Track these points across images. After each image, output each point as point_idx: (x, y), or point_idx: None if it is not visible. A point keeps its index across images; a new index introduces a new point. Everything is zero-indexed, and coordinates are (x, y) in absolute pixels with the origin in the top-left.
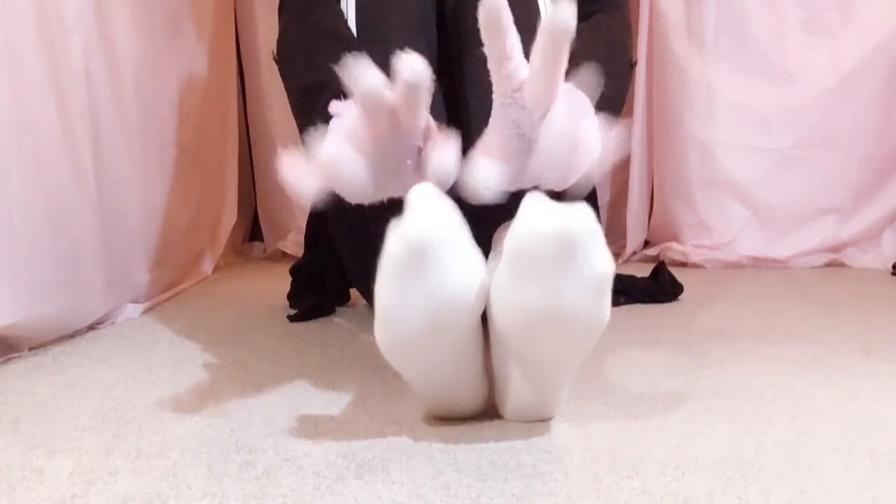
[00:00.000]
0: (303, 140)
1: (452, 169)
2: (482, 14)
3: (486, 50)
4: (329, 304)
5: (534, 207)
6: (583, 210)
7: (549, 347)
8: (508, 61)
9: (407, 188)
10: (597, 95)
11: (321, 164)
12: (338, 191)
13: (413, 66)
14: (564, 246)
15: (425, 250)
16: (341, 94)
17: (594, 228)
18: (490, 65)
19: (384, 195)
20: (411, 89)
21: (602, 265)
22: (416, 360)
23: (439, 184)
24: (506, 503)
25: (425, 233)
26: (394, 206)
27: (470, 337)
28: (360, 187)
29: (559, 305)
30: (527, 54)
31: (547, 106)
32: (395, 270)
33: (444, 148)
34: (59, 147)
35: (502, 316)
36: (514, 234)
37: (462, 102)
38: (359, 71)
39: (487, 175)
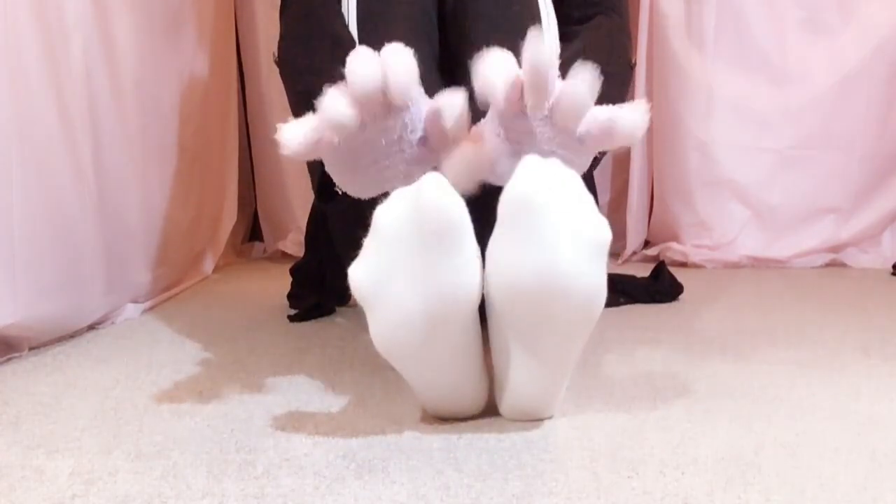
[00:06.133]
0: None
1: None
2: (528, 70)
3: (527, 101)
4: (329, 304)
5: (524, 173)
6: (569, 177)
7: (547, 325)
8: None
9: (404, 180)
10: (595, 94)
11: (323, 109)
12: (333, 139)
13: (452, 106)
14: (548, 209)
15: (439, 235)
16: None
17: (576, 196)
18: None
19: (383, 187)
20: (450, 127)
21: (593, 230)
22: (413, 357)
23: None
24: (506, 503)
25: (440, 219)
26: None
27: (468, 336)
28: (353, 139)
29: (552, 269)
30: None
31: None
32: (399, 252)
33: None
34: (59, 147)
35: (498, 287)
36: (505, 199)
37: None
38: (355, 65)
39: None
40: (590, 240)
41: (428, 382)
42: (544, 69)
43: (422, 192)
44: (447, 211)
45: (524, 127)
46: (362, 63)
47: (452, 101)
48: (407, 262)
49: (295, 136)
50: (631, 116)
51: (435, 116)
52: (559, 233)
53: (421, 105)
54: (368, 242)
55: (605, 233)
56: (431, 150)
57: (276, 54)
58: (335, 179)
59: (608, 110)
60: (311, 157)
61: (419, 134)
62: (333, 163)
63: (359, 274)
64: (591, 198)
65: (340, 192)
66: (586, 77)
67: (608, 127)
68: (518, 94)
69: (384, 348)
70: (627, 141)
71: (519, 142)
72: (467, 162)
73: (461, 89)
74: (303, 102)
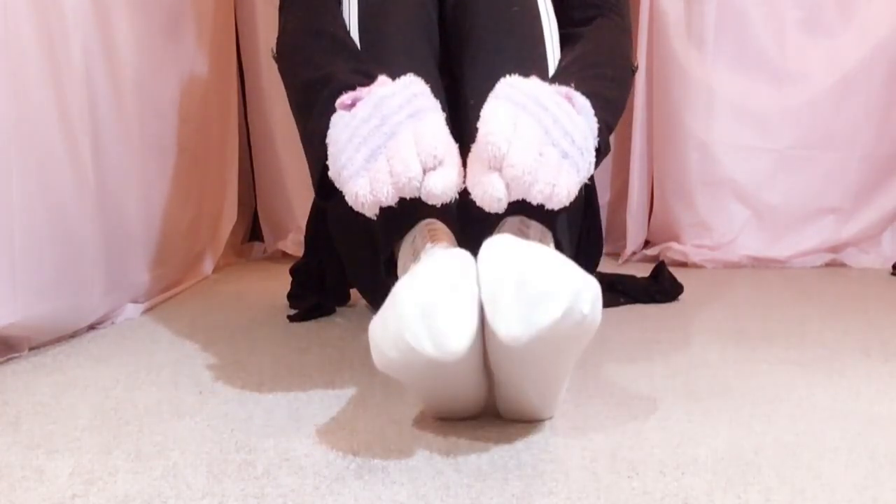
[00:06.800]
0: (301, 135)
1: (452, 192)
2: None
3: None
4: (329, 304)
5: (486, 262)
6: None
7: (545, 345)
8: None
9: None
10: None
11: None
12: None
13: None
14: (523, 284)
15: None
16: (341, 90)
17: (545, 259)
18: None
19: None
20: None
21: (570, 284)
22: (411, 378)
23: (438, 201)
24: (506, 503)
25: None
26: (396, 208)
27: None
28: None
29: (542, 331)
30: (525, 63)
31: None
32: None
33: (447, 170)
34: (59, 147)
35: (497, 342)
36: (481, 279)
37: (462, 102)
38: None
39: (495, 189)
40: (570, 293)
41: (427, 389)
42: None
43: (432, 348)
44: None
45: None
46: (404, 159)
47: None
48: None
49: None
50: None
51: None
52: (539, 300)
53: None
54: (386, 314)
55: (582, 284)
56: None
57: (275, 50)
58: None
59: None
60: None
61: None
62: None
63: (379, 353)
64: (556, 255)
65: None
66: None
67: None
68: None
69: (380, 367)
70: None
71: None
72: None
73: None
74: (301, 98)
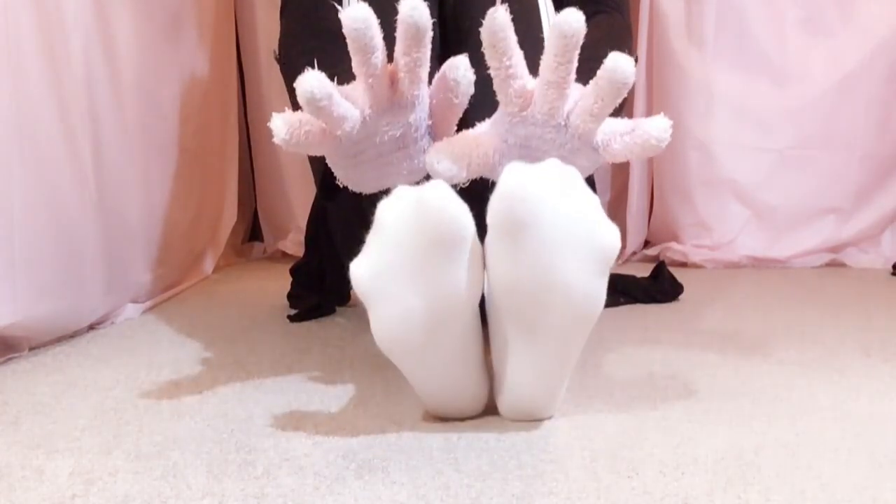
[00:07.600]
0: None
1: (454, 170)
2: (485, 33)
3: (490, 70)
4: (329, 304)
5: (512, 174)
6: (566, 178)
7: (546, 323)
8: (515, 80)
9: (406, 176)
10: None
11: (303, 89)
12: (327, 126)
13: (414, 6)
14: (535, 220)
15: (441, 243)
16: None
17: (569, 199)
18: (496, 84)
19: (384, 182)
20: (411, 29)
21: (589, 232)
22: (413, 354)
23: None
24: (506, 503)
25: (443, 229)
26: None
27: (468, 335)
28: (349, 129)
29: (547, 278)
30: (532, 68)
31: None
32: (401, 252)
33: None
34: (59, 147)
35: (497, 283)
36: (491, 210)
37: None
38: (348, 7)
39: (446, 169)
40: (585, 244)
41: (428, 381)
42: (502, 33)
43: (426, 200)
44: (450, 222)
45: (534, 132)
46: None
47: (462, 63)
48: (408, 262)
49: (283, 125)
50: (654, 131)
51: (444, 83)
52: (549, 243)
53: (426, 103)
54: (371, 238)
55: (604, 234)
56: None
57: (277, 52)
58: (336, 173)
59: (630, 123)
60: (304, 150)
61: (424, 130)
62: (334, 157)
63: (361, 269)
64: (592, 196)
65: (342, 186)
66: (607, 83)
67: (630, 141)
68: (530, 99)
69: (385, 345)
70: (649, 154)
71: (527, 146)
72: (460, 149)
73: (464, 56)
74: None
